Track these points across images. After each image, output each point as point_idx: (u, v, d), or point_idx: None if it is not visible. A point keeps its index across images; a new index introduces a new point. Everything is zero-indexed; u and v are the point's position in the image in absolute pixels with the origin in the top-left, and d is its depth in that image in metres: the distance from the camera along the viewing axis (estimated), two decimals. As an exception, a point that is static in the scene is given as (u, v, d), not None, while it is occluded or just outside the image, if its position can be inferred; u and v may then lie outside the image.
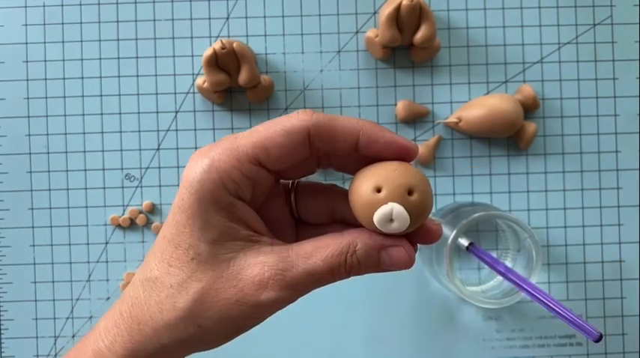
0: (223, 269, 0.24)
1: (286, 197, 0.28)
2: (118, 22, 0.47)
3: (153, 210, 0.47)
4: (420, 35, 0.45)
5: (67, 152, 0.47)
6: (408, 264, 0.24)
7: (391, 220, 0.23)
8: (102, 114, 0.47)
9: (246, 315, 0.24)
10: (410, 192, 0.23)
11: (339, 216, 0.27)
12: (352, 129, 0.24)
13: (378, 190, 0.23)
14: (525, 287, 0.39)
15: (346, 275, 0.24)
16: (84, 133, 0.47)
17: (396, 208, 0.23)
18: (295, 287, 0.24)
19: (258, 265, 0.24)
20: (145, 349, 0.24)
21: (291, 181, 0.28)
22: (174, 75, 0.47)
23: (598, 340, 0.36)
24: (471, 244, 0.43)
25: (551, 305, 0.38)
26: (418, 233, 0.25)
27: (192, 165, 0.24)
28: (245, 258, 0.24)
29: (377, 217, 0.23)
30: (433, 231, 0.25)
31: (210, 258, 0.24)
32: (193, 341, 0.24)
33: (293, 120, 0.24)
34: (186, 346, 0.25)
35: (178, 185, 0.47)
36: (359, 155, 0.25)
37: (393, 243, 0.24)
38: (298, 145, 0.24)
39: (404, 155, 0.25)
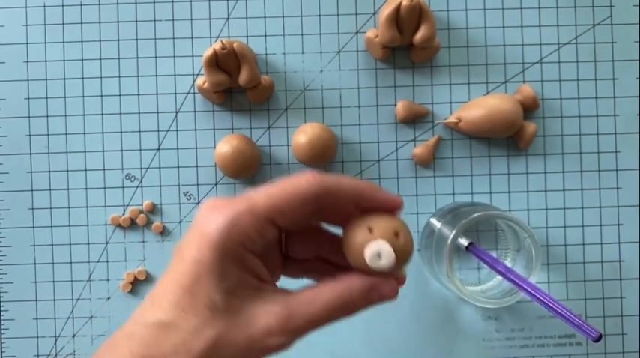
0: (235, 317, 0.26)
1: (280, 238, 0.30)
2: (118, 22, 0.47)
3: (153, 210, 0.47)
4: (419, 35, 0.45)
5: (67, 152, 0.47)
6: (393, 298, 0.28)
7: (379, 256, 0.26)
8: (102, 114, 0.47)
9: None
10: (397, 235, 0.27)
11: (324, 255, 0.30)
12: (353, 191, 0.27)
13: (370, 231, 0.27)
14: (525, 286, 0.39)
15: (340, 318, 0.27)
16: (84, 133, 0.47)
17: (385, 246, 0.26)
18: (297, 332, 0.26)
19: (265, 313, 0.26)
20: None
21: None
22: (175, 75, 0.47)
23: (597, 340, 0.36)
24: (470, 244, 0.43)
25: (550, 304, 0.38)
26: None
27: (211, 220, 0.26)
28: (254, 306, 0.26)
29: (368, 253, 0.26)
30: (401, 279, 0.29)
31: (224, 306, 0.26)
32: None
33: (305, 185, 0.26)
34: None
35: (179, 185, 0.47)
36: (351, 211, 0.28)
37: (382, 280, 0.27)
38: (309, 208, 0.26)
39: (394, 209, 0.28)
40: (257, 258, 0.27)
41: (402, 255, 0.27)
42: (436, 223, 0.44)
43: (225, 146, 0.45)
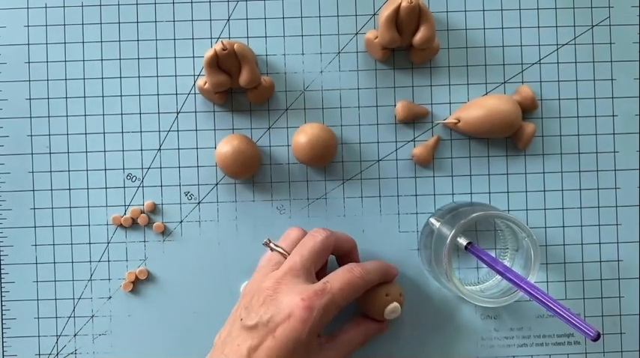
0: None
1: None
2: (119, 23, 0.47)
3: (154, 209, 0.48)
4: (419, 36, 0.45)
5: (68, 152, 0.48)
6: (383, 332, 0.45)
7: (393, 312, 0.43)
8: (103, 114, 0.48)
9: None
10: (400, 295, 0.44)
11: None
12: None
13: (387, 295, 0.43)
14: (523, 285, 0.39)
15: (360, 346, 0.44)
16: (85, 134, 0.48)
17: (398, 307, 0.43)
18: None
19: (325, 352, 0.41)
20: None
21: None
22: (176, 76, 0.48)
23: (596, 339, 0.36)
24: (469, 243, 0.43)
25: (549, 303, 0.38)
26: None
27: (313, 307, 0.38)
28: (321, 351, 0.41)
29: (387, 310, 0.43)
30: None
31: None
32: None
33: (356, 273, 0.41)
34: None
35: (179, 185, 0.47)
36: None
37: (380, 325, 0.45)
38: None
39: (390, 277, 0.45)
40: None
41: (402, 308, 0.44)
42: (435, 223, 0.44)
43: (226, 146, 0.45)
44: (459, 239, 0.43)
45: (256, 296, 0.39)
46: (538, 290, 0.39)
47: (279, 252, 0.42)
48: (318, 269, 0.42)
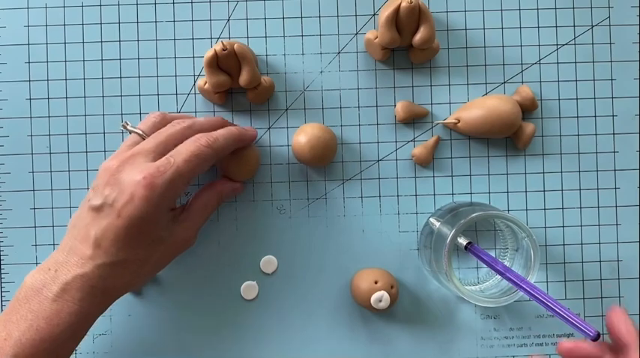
0: (168, 241, 0.41)
1: None
2: (119, 23, 0.47)
3: (154, 209, 0.48)
4: (419, 37, 0.45)
5: (68, 152, 0.48)
6: (238, 189, 0.47)
7: (380, 300, 0.43)
8: (104, 114, 0.48)
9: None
10: (392, 287, 0.44)
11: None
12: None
13: (375, 282, 0.44)
14: (523, 285, 0.40)
15: (216, 205, 0.45)
16: (85, 134, 0.48)
17: (385, 295, 0.43)
18: (199, 227, 0.44)
19: (182, 231, 0.42)
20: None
21: None
22: (176, 76, 0.48)
23: (596, 338, 0.36)
24: (469, 243, 0.43)
25: (549, 303, 0.38)
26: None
27: (158, 175, 0.38)
28: (176, 229, 0.41)
29: (373, 297, 0.43)
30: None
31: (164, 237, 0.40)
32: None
33: (207, 150, 0.40)
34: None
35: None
36: None
37: (234, 184, 0.46)
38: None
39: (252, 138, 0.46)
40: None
41: (393, 300, 0.44)
42: (435, 223, 0.44)
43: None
44: (458, 239, 0.43)
45: (102, 176, 0.38)
46: (538, 290, 0.39)
47: (136, 133, 0.41)
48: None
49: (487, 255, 0.42)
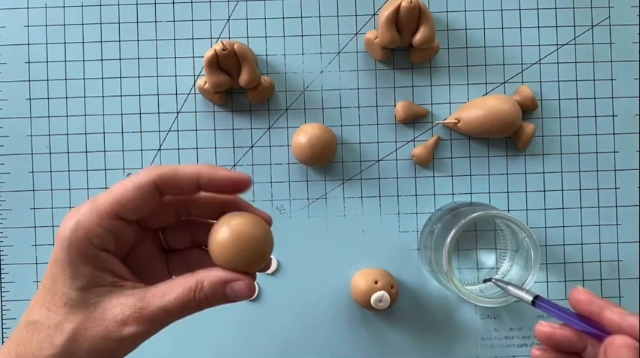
0: (91, 312, 0.28)
1: (154, 234, 0.33)
2: (119, 23, 0.47)
3: (154, 209, 0.48)
4: (419, 36, 0.45)
5: (68, 152, 0.48)
6: (249, 295, 0.30)
7: (380, 300, 0.43)
8: (103, 114, 0.48)
9: (112, 348, 0.28)
10: (392, 287, 0.44)
11: (199, 241, 0.33)
12: (192, 174, 0.29)
13: (376, 282, 0.43)
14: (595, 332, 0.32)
15: (198, 309, 0.30)
16: (85, 134, 0.48)
17: (386, 295, 0.42)
18: (152, 321, 0.29)
19: (119, 306, 0.28)
20: None
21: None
22: (176, 76, 0.48)
23: None
24: (536, 298, 0.37)
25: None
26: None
27: (64, 224, 0.28)
28: (110, 300, 0.29)
29: (373, 297, 0.43)
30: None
31: (80, 302, 0.28)
32: None
33: (141, 176, 0.29)
34: None
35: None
36: (212, 202, 0.31)
37: (235, 277, 0.29)
38: (148, 196, 0.29)
39: (240, 187, 0.30)
40: (114, 256, 0.29)
41: (393, 300, 0.44)
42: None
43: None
44: (522, 293, 0.38)
45: None
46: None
47: None
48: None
49: (556, 306, 0.35)
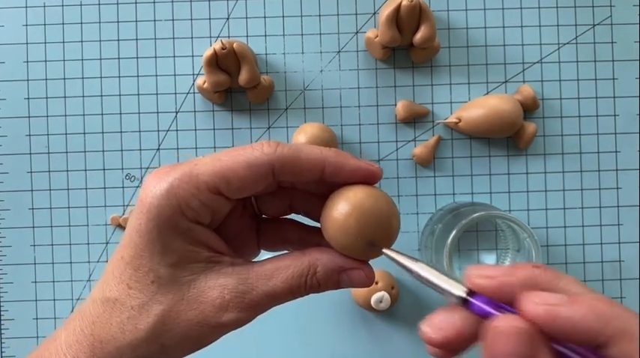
0: (184, 292, 0.24)
1: (246, 201, 0.28)
2: (118, 22, 0.47)
3: (153, 210, 0.47)
4: (419, 35, 0.45)
5: (67, 152, 0.47)
6: (367, 284, 0.25)
7: (381, 301, 0.38)
8: (102, 114, 0.47)
9: (207, 334, 0.25)
10: (392, 288, 0.42)
11: (297, 209, 0.28)
12: (317, 161, 0.25)
13: (376, 283, 0.38)
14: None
15: (305, 295, 0.25)
16: (84, 133, 0.47)
17: (386, 295, 0.37)
18: (255, 308, 0.24)
19: (218, 288, 0.24)
20: None
21: None
22: (175, 75, 0.47)
23: None
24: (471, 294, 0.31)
25: None
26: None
27: (150, 188, 0.24)
28: (206, 280, 0.24)
29: (374, 298, 0.41)
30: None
31: (171, 281, 0.24)
32: (155, 357, 0.25)
33: (257, 153, 0.24)
34: None
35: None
36: (325, 181, 0.25)
37: (354, 265, 0.25)
38: (261, 178, 0.24)
39: (369, 179, 0.25)
40: (208, 229, 0.25)
41: (394, 301, 0.44)
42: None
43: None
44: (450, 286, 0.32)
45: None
46: None
47: None
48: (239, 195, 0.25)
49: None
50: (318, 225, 0.26)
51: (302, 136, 0.45)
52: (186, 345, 0.25)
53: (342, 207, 0.24)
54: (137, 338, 0.24)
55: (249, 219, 0.28)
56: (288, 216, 0.29)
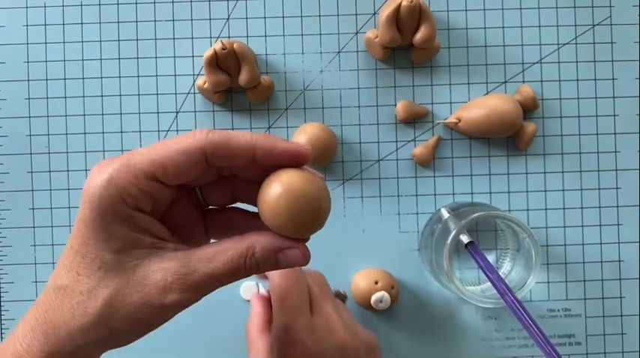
0: (129, 276, 0.25)
1: (190, 191, 0.29)
2: (118, 22, 0.47)
3: (153, 210, 0.47)
4: (419, 36, 0.45)
5: (67, 152, 0.47)
6: (304, 263, 0.27)
7: (381, 301, 0.37)
8: (103, 114, 0.47)
9: (153, 316, 0.26)
10: (392, 287, 0.42)
11: (240, 198, 0.30)
12: (247, 145, 0.26)
13: (376, 283, 0.38)
14: (508, 298, 0.39)
15: (247, 275, 0.26)
16: (84, 133, 0.47)
17: (386, 295, 0.38)
18: (197, 289, 0.26)
19: (161, 271, 0.25)
20: (60, 351, 0.26)
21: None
22: (175, 75, 0.47)
23: None
24: (470, 243, 0.43)
25: (525, 323, 0.38)
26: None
27: (92, 179, 0.25)
28: (150, 264, 0.26)
29: (373, 298, 0.41)
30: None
31: (116, 266, 0.25)
32: (106, 340, 0.26)
33: (189, 140, 0.25)
34: (100, 345, 0.27)
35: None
36: (259, 165, 0.27)
37: (289, 244, 0.26)
38: (194, 164, 0.25)
39: (298, 160, 0.26)
40: (151, 216, 0.26)
41: (394, 301, 0.44)
42: (445, 213, 0.44)
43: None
44: (462, 236, 0.42)
45: None
46: (519, 306, 0.39)
47: None
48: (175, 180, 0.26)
49: (484, 258, 0.42)
50: None
51: (302, 136, 0.45)
52: (133, 327, 0.26)
53: (274, 189, 0.25)
54: (87, 322, 0.25)
55: (195, 209, 0.29)
56: (234, 205, 0.30)
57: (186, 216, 0.29)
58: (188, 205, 0.29)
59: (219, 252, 0.26)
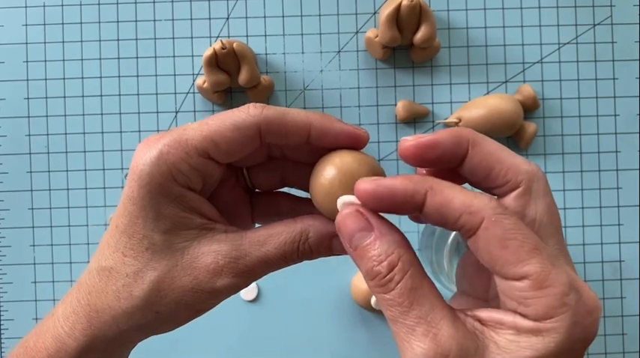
0: (178, 258, 0.24)
1: (238, 173, 0.28)
2: (118, 22, 0.47)
3: (153, 210, 0.47)
4: (419, 35, 0.45)
5: (67, 152, 0.47)
6: None
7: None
8: (102, 114, 0.47)
9: (202, 300, 0.24)
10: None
11: (289, 182, 0.28)
12: (303, 123, 0.24)
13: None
14: None
15: (299, 261, 0.25)
16: (84, 133, 0.47)
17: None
18: (248, 273, 0.24)
19: (212, 254, 0.24)
20: (104, 335, 0.25)
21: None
22: (175, 75, 0.47)
23: None
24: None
25: None
26: None
27: (140, 156, 0.24)
28: (199, 246, 0.24)
29: (374, 299, 0.28)
30: None
31: (165, 247, 0.24)
32: (151, 325, 0.25)
33: (243, 116, 0.24)
34: (145, 330, 0.25)
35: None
36: (311, 145, 0.25)
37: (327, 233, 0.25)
38: (248, 140, 0.24)
39: (356, 143, 0.25)
40: (201, 195, 0.25)
41: None
42: None
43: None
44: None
45: None
46: None
47: None
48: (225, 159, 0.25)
49: None
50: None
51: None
52: (181, 312, 0.25)
53: (328, 172, 0.24)
54: (132, 305, 0.24)
55: (242, 192, 0.28)
56: (281, 190, 0.29)
57: (234, 198, 0.28)
58: (236, 187, 0.28)
59: (272, 235, 0.25)
